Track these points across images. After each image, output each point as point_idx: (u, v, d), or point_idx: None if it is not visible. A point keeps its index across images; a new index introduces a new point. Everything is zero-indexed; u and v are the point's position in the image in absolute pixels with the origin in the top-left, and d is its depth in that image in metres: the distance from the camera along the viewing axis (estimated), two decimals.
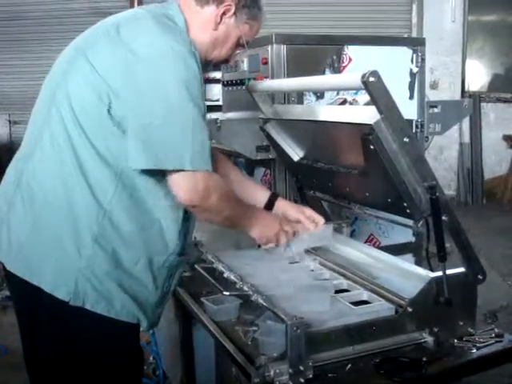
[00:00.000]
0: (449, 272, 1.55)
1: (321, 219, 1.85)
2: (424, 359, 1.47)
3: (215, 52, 1.62)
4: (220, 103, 2.96)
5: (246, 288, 1.60)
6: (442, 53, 7.07)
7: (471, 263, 1.59)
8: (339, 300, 1.64)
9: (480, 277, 1.61)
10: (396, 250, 2.26)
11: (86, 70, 1.44)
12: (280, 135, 2.02)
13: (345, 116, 1.65)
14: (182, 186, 1.44)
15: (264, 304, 1.49)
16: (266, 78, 2.45)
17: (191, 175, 1.43)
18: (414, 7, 7.32)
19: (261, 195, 1.91)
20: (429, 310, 1.54)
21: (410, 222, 1.76)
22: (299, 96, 2.50)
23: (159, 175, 1.46)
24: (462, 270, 1.60)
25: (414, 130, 2.64)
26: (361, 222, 2.60)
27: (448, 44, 7.19)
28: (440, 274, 1.55)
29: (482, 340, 1.57)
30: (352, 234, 2.43)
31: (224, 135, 2.60)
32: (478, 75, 7.69)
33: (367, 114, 1.47)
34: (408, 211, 1.55)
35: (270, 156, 2.46)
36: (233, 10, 1.57)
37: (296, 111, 2.01)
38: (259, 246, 1.89)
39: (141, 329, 1.57)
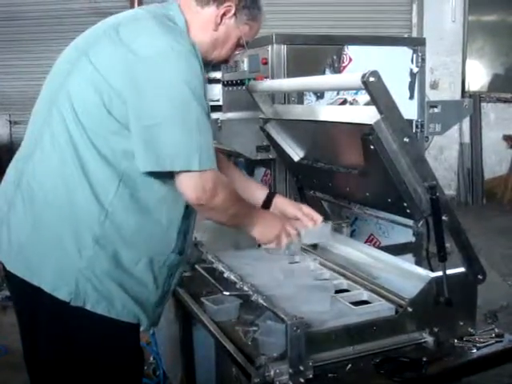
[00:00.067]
0: (449, 272, 1.55)
1: (319, 217, 1.86)
2: (424, 359, 1.47)
3: (215, 52, 1.62)
4: (220, 103, 2.96)
5: (246, 288, 1.60)
6: (442, 53, 7.06)
7: (471, 263, 1.59)
8: (339, 300, 1.64)
9: (480, 277, 1.61)
10: (396, 249, 2.26)
11: (87, 70, 1.44)
12: (280, 135, 2.02)
13: (345, 116, 1.65)
14: (190, 185, 1.44)
15: (264, 304, 1.49)
16: (266, 78, 2.46)
17: (198, 175, 1.43)
18: (414, 7, 7.32)
19: (259, 193, 1.91)
20: (429, 309, 1.54)
21: (410, 222, 1.76)
22: (299, 96, 2.51)
23: (162, 175, 1.46)
24: (462, 269, 1.60)
25: (414, 130, 2.65)
26: (361, 221, 2.60)
27: (448, 44, 7.19)
28: (440, 273, 1.55)
29: (482, 340, 1.57)
30: (352, 234, 2.43)
31: (224, 135, 2.60)
32: (478, 75, 7.69)
33: (367, 114, 1.48)
34: (408, 211, 1.55)
35: (270, 156, 2.46)
36: (233, 11, 1.57)
37: (296, 111, 2.01)
38: (259, 246, 1.89)
39: (141, 328, 1.57)
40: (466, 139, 7.49)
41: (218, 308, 1.66)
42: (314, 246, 2.08)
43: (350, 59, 2.59)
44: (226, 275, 1.71)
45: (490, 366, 1.57)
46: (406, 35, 5.98)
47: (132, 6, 6.08)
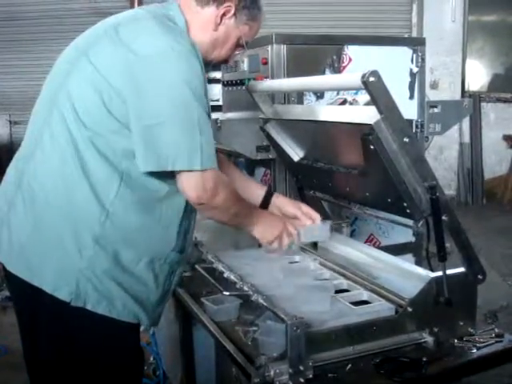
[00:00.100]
0: (449, 272, 1.55)
1: (317, 215, 1.86)
2: (424, 359, 1.47)
3: (215, 52, 1.62)
4: (220, 103, 2.96)
5: (246, 288, 1.60)
6: (442, 53, 7.07)
7: (471, 263, 1.59)
8: (339, 300, 1.64)
9: (480, 277, 1.61)
10: (396, 249, 2.26)
11: (87, 70, 1.45)
12: (280, 135, 2.02)
13: (345, 116, 1.65)
14: (191, 185, 1.45)
15: (264, 304, 1.49)
16: (266, 78, 2.46)
17: (200, 174, 1.43)
18: (414, 7, 7.32)
19: (259, 193, 1.92)
20: (429, 309, 1.54)
21: (410, 222, 1.76)
22: (299, 96, 2.51)
23: (163, 175, 1.46)
24: (462, 269, 1.60)
25: (414, 130, 2.65)
26: (361, 221, 2.60)
27: (448, 44, 7.19)
28: (440, 273, 1.55)
29: (482, 340, 1.57)
30: (352, 234, 2.43)
31: (224, 135, 2.60)
32: (478, 75, 7.69)
33: (367, 114, 1.47)
34: (408, 211, 1.55)
35: (270, 156, 2.46)
36: (233, 11, 1.57)
37: (296, 111, 2.01)
38: (260, 246, 1.89)
39: (142, 328, 1.58)
40: (466, 139, 7.49)
41: (218, 308, 1.66)
42: (314, 246, 2.08)
43: (350, 59, 2.58)
44: (225, 275, 1.71)
45: (490, 366, 1.57)
46: (406, 35, 5.99)
47: (132, 6, 6.08)
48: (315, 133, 1.86)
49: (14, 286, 1.55)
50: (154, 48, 1.41)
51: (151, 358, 2.64)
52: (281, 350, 1.39)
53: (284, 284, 1.75)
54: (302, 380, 1.36)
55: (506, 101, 7.53)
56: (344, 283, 1.81)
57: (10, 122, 7.14)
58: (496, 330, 1.62)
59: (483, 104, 7.50)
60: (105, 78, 1.41)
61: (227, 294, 1.63)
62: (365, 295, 1.70)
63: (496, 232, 5.72)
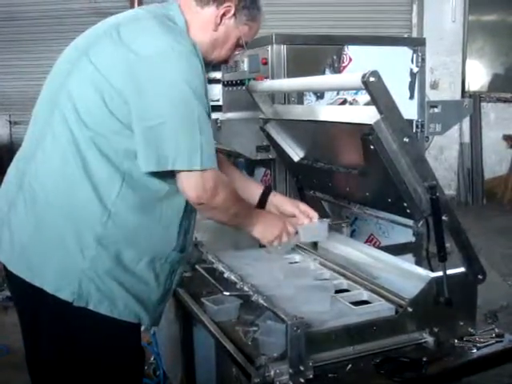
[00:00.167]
0: (449, 272, 1.55)
1: (315, 214, 1.87)
2: (424, 359, 1.47)
3: (215, 52, 1.62)
4: (220, 103, 2.96)
5: (246, 288, 1.60)
6: (443, 53, 7.06)
7: (471, 263, 1.59)
8: (339, 300, 1.64)
9: (480, 277, 1.61)
10: (396, 249, 2.26)
11: (88, 70, 1.45)
12: (280, 135, 2.02)
13: (345, 116, 1.65)
14: (191, 184, 1.45)
15: (264, 304, 1.49)
16: (266, 78, 2.46)
17: (200, 174, 1.44)
18: (415, 7, 7.32)
19: (256, 191, 1.92)
20: (429, 310, 1.54)
21: (410, 222, 1.76)
22: (299, 96, 2.51)
23: (164, 174, 1.46)
24: (462, 269, 1.60)
25: (414, 130, 2.65)
26: (361, 221, 2.60)
27: (448, 44, 7.19)
28: (440, 273, 1.55)
29: (482, 340, 1.57)
30: (352, 234, 2.43)
31: (224, 135, 2.60)
32: (478, 75, 7.69)
33: (367, 114, 1.48)
34: (408, 211, 1.55)
35: (270, 156, 2.46)
36: (232, 11, 1.57)
37: (296, 111, 2.01)
38: (260, 246, 1.89)
39: (142, 327, 1.58)
40: (466, 139, 7.49)
41: (218, 308, 1.66)
42: (314, 246, 2.08)
43: (350, 59, 2.59)
44: (226, 275, 1.71)
45: (490, 366, 1.57)
46: (406, 35, 5.98)
47: (132, 6, 6.08)
48: (315, 133, 1.87)
49: (15, 286, 1.55)
50: (155, 48, 1.41)
51: (151, 358, 2.64)
52: (281, 350, 1.39)
53: (284, 284, 1.75)
54: (302, 380, 1.36)
55: (506, 101, 7.53)
56: (344, 283, 1.81)
57: (10, 122, 7.14)
58: (496, 330, 1.62)
59: (483, 104, 7.50)
60: (105, 78, 1.41)
61: (227, 294, 1.63)
62: (365, 295, 1.70)
63: (496, 232, 5.72)
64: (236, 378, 1.54)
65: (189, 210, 1.57)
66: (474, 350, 1.54)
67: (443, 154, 7.35)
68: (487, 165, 7.53)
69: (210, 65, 1.66)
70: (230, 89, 2.79)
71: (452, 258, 1.58)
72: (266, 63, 2.48)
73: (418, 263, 2.01)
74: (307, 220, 1.85)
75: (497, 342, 1.58)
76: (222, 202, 1.51)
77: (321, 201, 2.20)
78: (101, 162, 1.44)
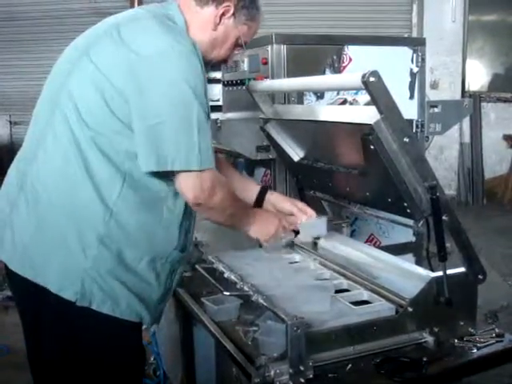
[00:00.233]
0: (449, 272, 1.55)
1: (313, 212, 1.87)
2: (424, 359, 1.47)
3: (214, 52, 1.62)
4: (220, 103, 2.96)
5: (246, 288, 1.60)
6: (443, 53, 7.06)
7: (471, 263, 1.59)
8: (339, 300, 1.64)
9: (480, 277, 1.61)
10: (396, 249, 2.26)
11: (89, 69, 1.45)
12: (280, 135, 2.02)
13: (345, 116, 1.65)
14: (189, 185, 1.45)
15: (264, 304, 1.50)
16: (266, 78, 2.45)
17: (197, 174, 1.44)
18: (415, 7, 7.32)
19: (252, 190, 1.92)
20: (429, 309, 1.54)
21: (411, 222, 1.76)
22: (299, 96, 2.51)
23: (164, 174, 1.47)
24: (462, 269, 1.60)
25: (414, 130, 2.64)
26: (361, 221, 2.60)
27: (448, 44, 7.19)
28: (440, 273, 1.55)
29: (482, 340, 1.57)
30: (352, 234, 2.43)
31: (224, 135, 2.60)
32: (479, 75, 7.69)
33: (367, 114, 1.47)
34: (408, 211, 1.55)
35: (270, 156, 2.46)
36: (232, 11, 1.57)
37: (296, 111, 2.01)
38: (261, 246, 1.89)
39: (144, 326, 1.58)
40: (466, 139, 7.49)
41: (219, 308, 1.66)
42: (314, 246, 2.08)
43: (350, 59, 2.58)
44: (226, 275, 1.71)
45: (491, 366, 1.57)
46: (406, 35, 5.99)
47: (132, 6, 6.09)
48: (315, 133, 1.86)
49: (17, 285, 1.55)
50: (155, 48, 1.41)
51: (152, 358, 2.64)
52: (281, 350, 1.39)
53: (284, 284, 1.75)
54: (302, 380, 1.36)
55: (506, 100, 7.53)
56: (344, 283, 1.81)
57: (11, 122, 7.14)
58: (496, 330, 1.62)
59: (483, 104, 7.49)
60: (106, 77, 1.42)
61: (227, 294, 1.63)
62: (365, 295, 1.70)
63: (496, 232, 5.72)
64: (236, 377, 1.54)
65: (189, 210, 1.57)
66: (475, 350, 1.54)
67: (443, 154, 7.35)
68: (487, 165, 7.53)
69: (209, 64, 1.66)
70: (230, 89, 2.79)
71: (452, 257, 1.58)
72: (266, 63, 2.48)
73: (419, 263, 2.02)
74: (305, 217, 1.86)
75: (497, 341, 1.58)
76: (220, 203, 1.51)
77: (321, 201, 2.20)
78: (102, 162, 1.44)
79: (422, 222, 1.61)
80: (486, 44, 7.66)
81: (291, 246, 2.07)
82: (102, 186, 1.44)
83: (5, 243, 1.53)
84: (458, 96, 7.16)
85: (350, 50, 2.58)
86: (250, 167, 2.82)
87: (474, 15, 7.45)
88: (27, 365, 1.63)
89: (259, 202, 1.90)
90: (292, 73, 2.43)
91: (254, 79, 2.45)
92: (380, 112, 1.43)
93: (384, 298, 1.64)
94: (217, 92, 3.07)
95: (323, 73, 2.55)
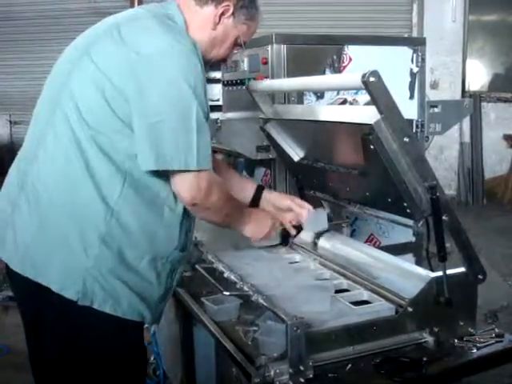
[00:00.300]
0: (449, 272, 1.55)
1: (310, 206, 1.89)
2: (424, 359, 1.47)
3: (213, 51, 1.63)
4: (220, 103, 2.96)
5: (246, 288, 1.61)
6: (443, 52, 7.06)
7: (471, 263, 1.59)
8: (339, 300, 1.64)
9: (480, 277, 1.61)
10: (396, 249, 2.26)
11: (89, 69, 1.45)
12: (280, 135, 2.02)
13: (345, 116, 1.65)
14: (186, 184, 1.45)
15: (264, 304, 1.50)
16: (266, 77, 2.45)
17: (195, 174, 1.44)
18: (415, 7, 7.31)
19: (249, 189, 1.93)
20: (429, 309, 1.54)
21: (411, 222, 1.76)
22: (299, 96, 2.50)
23: (164, 174, 1.47)
24: (462, 269, 1.60)
25: (414, 130, 2.64)
26: (361, 221, 2.60)
27: (448, 44, 7.18)
28: (440, 273, 1.55)
29: (482, 340, 1.57)
30: (352, 234, 2.43)
31: (224, 135, 2.60)
32: (479, 75, 7.69)
33: (367, 114, 1.47)
34: (408, 211, 1.55)
35: (271, 156, 2.46)
36: (231, 11, 1.57)
37: (296, 111, 2.01)
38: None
39: (145, 325, 1.58)
40: (467, 139, 7.49)
41: (219, 308, 1.67)
42: (314, 246, 2.08)
43: (350, 59, 2.58)
44: (226, 275, 1.71)
45: (490, 366, 1.57)
46: (406, 35, 5.98)
47: (132, 6, 6.09)
48: (315, 133, 1.86)
49: (19, 285, 1.55)
50: (155, 47, 1.42)
51: (152, 358, 2.64)
52: (281, 350, 1.39)
53: (284, 284, 1.75)
54: (302, 380, 1.36)
55: (506, 100, 7.53)
56: (344, 283, 1.81)
57: (11, 122, 7.14)
58: (496, 330, 1.62)
59: (483, 104, 7.49)
60: (107, 76, 1.42)
61: (227, 293, 1.63)
62: (365, 295, 1.70)
63: (496, 232, 5.72)
64: (236, 377, 1.54)
65: (189, 211, 1.57)
66: (474, 350, 1.54)
67: (443, 154, 7.35)
68: (487, 165, 7.53)
69: (208, 64, 1.66)
70: (230, 88, 2.79)
71: (452, 257, 1.58)
72: (266, 63, 2.48)
73: (418, 263, 2.01)
74: (305, 211, 1.87)
75: (497, 341, 1.58)
76: (216, 203, 1.51)
77: (321, 201, 2.20)
78: (102, 161, 1.44)
79: (421, 222, 1.60)
80: (487, 44, 7.66)
81: (291, 245, 2.08)
82: (103, 185, 1.44)
83: (6, 243, 1.53)
84: (458, 96, 7.16)
85: (350, 50, 2.58)
86: (250, 167, 2.82)
87: (474, 15, 7.45)
88: (27, 365, 1.63)
89: (255, 200, 1.91)
90: (292, 73, 2.43)
91: (254, 79, 2.45)
92: (380, 112, 1.43)
93: (384, 298, 1.64)
94: (217, 92, 3.07)
95: (323, 73, 2.55)
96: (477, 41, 7.59)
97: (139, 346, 1.60)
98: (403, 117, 1.45)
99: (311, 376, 1.37)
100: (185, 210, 1.55)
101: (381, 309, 1.59)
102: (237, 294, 1.63)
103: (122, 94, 1.41)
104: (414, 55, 2.71)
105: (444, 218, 1.52)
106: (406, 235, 2.58)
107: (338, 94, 2.50)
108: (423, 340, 1.54)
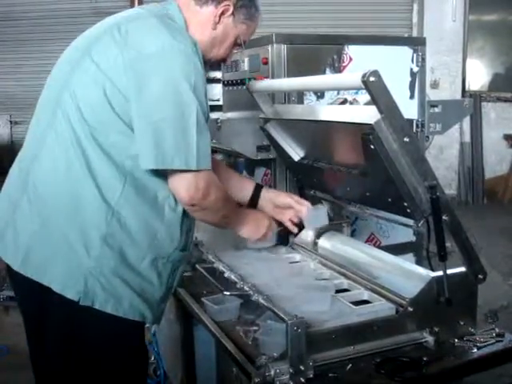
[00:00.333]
0: (449, 272, 1.55)
1: (308, 203, 1.90)
2: (424, 359, 1.47)
3: (213, 51, 1.63)
4: (220, 103, 2.96)
5: (246, 288, 1.61)
6: (443, 52, 7.06)
7: (472, 263, 1.59)
8: (340, 300, 1.64)
9: (480, 276, 1.61)
10: (397, 249, 2.26)
11: (90, 69, 1.45)
12: (280, 135, 2.02)
13: (345, 116, 1.65)
14: (184, 184, 1.45)
15: (264, 304, 1.50)
16: (266, 77, 2.45)
17: (194, 174, 1.44)
18: (415, 7, 7.31)
19: (248, 188, 1.93)
20: (429, 309, 1.54)
21: (411, 222, 1.75)
22: (299, 96, 2.50)
23: (165, 174, 1.47)
24: (462, 269, 1.60)
25: (414, 130, 2.64)
26: (361, 221, 2.60)
27: (448, 43, 7.18)
28: (440, 273, 1.55)
29: (482, 340, 1.57)
30: (352, 234, 2.43)
31: (224, 135, 2.59)
32: (479, 75, 7.69)
33: (367, 114, 1.47)
34: (408, 211, 1.55)
35: (271, 156, 2.45)
36: (231, 10, 1.58)
37: (296, 111, 2.01)
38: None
39: (146, 325, 1.58)
40: (467, 138, 7.49)
41: (219, 308, 1.67)
42: (314, 246, 2.08)
43: (351, 59, 2.58)
44: (226, 275, 1.71)
45: (491, 366, 1.57)
46: (406, 35, 5.99)
47: (132, 6, 6.09)
48: (315, 132, 1.87)
49: (20, 285, 1.56)
50: (156, 46, 1.42)
51: (152, 358, 2.64)
52: (281, 350, 1.39)
53: (284, 284, 1.75)
54: (302, 380, 1.36)
55: (506, 100, 7.53)
56: (344, 283, 1.81)
57: (11, 122, 7.14)
58: (496, 330, 1.62)
59: (484, 103, 7.49)
60: (108, 76, 1.42)
61: (228, 293, 1.63)
62: (365, 295, 1.70)
63: (496, 232, 5.71)
64: (236, 377, 1.54)
65: None
66: (475, 350, 1.54)
67: (443, 154, 7.35)
68: (488, 164, 7.53)
69: (208, 63, 1.66)
70: (230, 88, 2.79)
71: (452, 257, 1.58)
72: (266, 63, 2.48)
73: (419, 263, 2.02)
74: (304, 208, 1.87)
75: (497, 341, 1.58)
76: (214, 203, 1.51)
77: (321, 200, 2.20)
78: (103, 161, 1.44)
79: (422, 222, 1.60)
80: (487, 44, 7.66)
81: (291, 245, 2.08)
82: (104, 185, 1.44)
83: (7, 243, 1.53)
84: (458, 96, 7.16)
85: (350, 50, 2.58)
86: (250, 167, 2.82)
87: (474, 15, 7.45)
88: (27, 365, 1.63)
89: (254, 199, 1.91)
90: (292, 73, 2.43)
91: (254, 79, 2.45)
92: (380, 112, 1.43)
93: (384, 297, 1.64)
94: (217, 92, 3.06)
95: (323, 72, 2.55)
96: (477, 41, 7.59)
97: (140, 345, 1.60)
98: (403, 116, 1.45)
99: (311, 376, 1.37)
100: (185, 209, 1.56)
101: (381, 308, 1.59)
102: (237, 294, 1.63)
103: (123, 94, 1.41)
104: (414, 55, 2.71)
105: (444, 217, 1.52)
106: (406, 235, 2.58)
107: (338, 93, 2.50)
108: (423, 340, 1.54)
